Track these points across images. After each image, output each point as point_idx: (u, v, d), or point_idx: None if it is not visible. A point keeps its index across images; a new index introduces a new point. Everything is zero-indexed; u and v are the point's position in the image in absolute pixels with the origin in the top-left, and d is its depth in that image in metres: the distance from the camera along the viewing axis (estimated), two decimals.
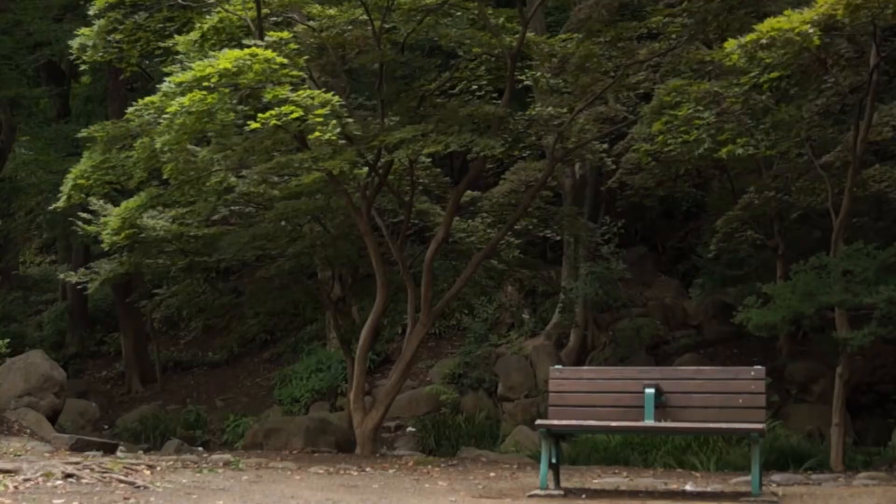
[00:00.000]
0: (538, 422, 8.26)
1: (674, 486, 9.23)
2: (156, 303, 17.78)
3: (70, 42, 13.62)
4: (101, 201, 14.58)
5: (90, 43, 13.17)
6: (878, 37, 11.62)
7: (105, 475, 8.29)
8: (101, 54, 13.38)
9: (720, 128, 11.97)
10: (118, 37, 13.25)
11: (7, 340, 15.06)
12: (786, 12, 10.32)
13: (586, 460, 12.35)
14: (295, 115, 10.52)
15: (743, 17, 11.95)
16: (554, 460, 8.12)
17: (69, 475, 8.15)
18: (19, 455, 10.88)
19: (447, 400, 16.82)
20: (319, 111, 10.62)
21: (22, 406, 15.13)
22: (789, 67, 11.63)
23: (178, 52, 12.74)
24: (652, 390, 7.99)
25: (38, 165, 21.41)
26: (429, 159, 13.94)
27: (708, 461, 11.65)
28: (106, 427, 18.75)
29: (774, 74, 11.63)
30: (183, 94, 10.67)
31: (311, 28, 12.83)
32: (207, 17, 12.71)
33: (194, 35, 12.61)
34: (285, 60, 10.83)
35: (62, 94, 24.33)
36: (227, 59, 10.50)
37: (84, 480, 8.04)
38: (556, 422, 8.18)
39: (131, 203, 14.07)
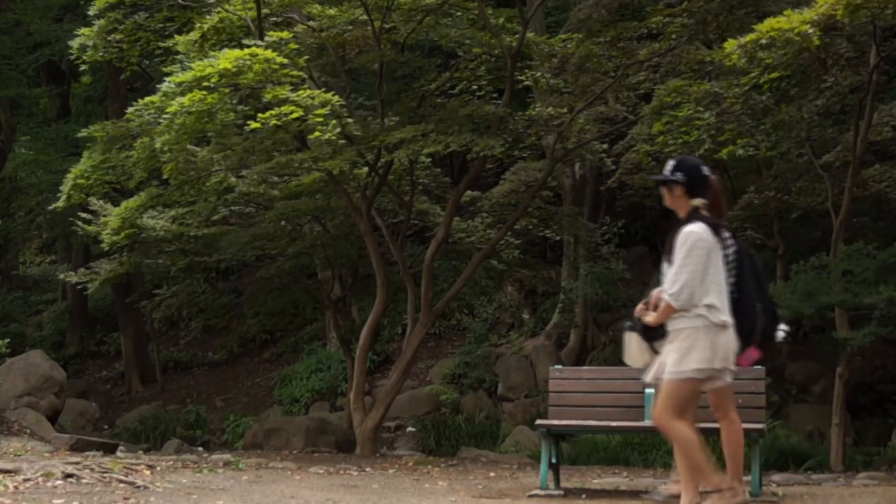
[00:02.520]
0: (538, 422, 8.25)
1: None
2: (156, 303, 17.78)
3: (70, 42, 13.61)
4: (101, 201, 14.58)
5: (90, 43, 13.17)
6: (878, 37, 11.61)
7: (105, 475, 8.28)
8: (101, 54, 13.38)
9: (720, 128, 11.94)
10: (118, 37, 13.25)
11: (7, 340, 15.05)
12: (786, 12, 10.30)
13: (586, 460, 12.34)
14: (295, 115, 10.52)
15: (743, 17, 11.93)
16: (554, 460, 8.11)
17: (69, 475, 8.14)
18: (19, 455, 10.87)
19: (447, 400, 16.81)
20: (319, 111, 10.62)
21: (22, 406, 15.13)
22: (789, 67, 11.59)
23: (178, 52, 12.75)
24: (652, 390, 7.98)
25: (38, 165, 21.37)
26: (429, 159, 13.94)
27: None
28: (106, 427, 18.72)
29: (774, 75, 11.60)
30: (183, 94, 10.67)
31: (311, 28, 12.84)
32: (207, 17, 12.71)
33: (194, 35, 12.61)
34: (285, 60, 10.84)
35: (62, 94, 24.29)
36: (227, 59, 10.50)
37: (84, 480, 8.03)
38: (556, 422, 8.17)
39: (131, 203, 14.07)
